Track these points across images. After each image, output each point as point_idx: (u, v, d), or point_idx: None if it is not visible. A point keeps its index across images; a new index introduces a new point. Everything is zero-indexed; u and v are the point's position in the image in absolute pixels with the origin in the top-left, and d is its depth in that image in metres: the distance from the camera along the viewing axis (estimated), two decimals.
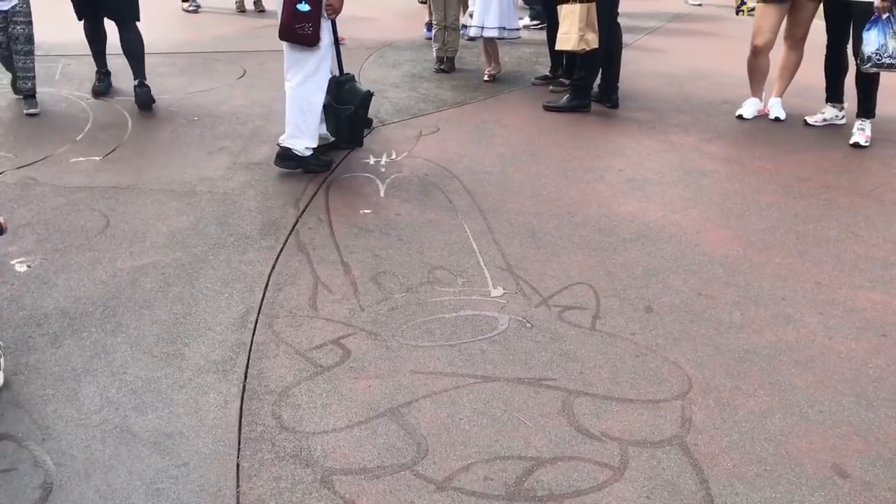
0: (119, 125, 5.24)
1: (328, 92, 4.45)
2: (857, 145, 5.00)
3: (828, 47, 5.29)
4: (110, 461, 2.32)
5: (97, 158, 4.65)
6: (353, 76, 4.66)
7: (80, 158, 4.64)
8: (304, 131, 4.40)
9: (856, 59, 4.89)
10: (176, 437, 2.43)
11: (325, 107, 4.52)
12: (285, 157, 4.48)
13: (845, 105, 5.42)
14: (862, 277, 3.43)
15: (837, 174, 4.59)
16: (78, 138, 4.98)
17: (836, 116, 5.44)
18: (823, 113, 5.47)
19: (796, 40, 5.42)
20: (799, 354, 2.89)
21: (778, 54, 5.57)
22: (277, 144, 4.52)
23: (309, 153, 4.47)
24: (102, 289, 3.25)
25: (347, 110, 4.52)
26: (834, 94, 5.43)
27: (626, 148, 5.04)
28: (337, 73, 4.59)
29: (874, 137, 5.09)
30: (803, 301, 3.25)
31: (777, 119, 5.56)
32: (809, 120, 5.46)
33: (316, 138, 4.48)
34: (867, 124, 5.06)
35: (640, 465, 2.34)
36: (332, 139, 4.76)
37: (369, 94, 4.64)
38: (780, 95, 5.63)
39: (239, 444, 2.41)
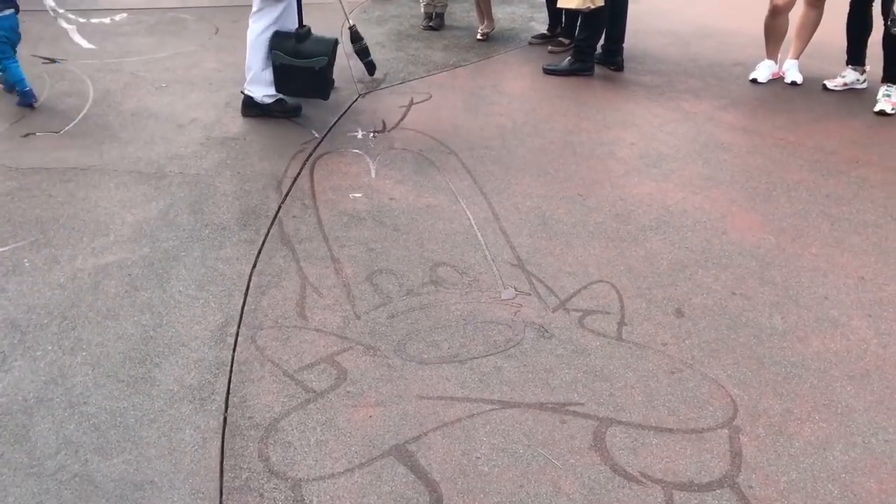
0: (79, 93, 4.76)
1: (283, 49, 4.23)
2: (882, 113, 4.63)
3: (851, 5, 4.87)
4: None
5: (55, 133, 4.18)
6: (310, 28, 4.34)
7: (36, 133, 4.17)
8: (262, 79, 4.34)
9: (885, 20, 4.50)
10: (146, 488, 2.07)
11: (281, 66, 4.28)
12: (249, 104, 4.47)
13: (867, 68, 5.04)
14: None
15: (865, 147, 4.24)
16: (34, 108, 4.49)
17: (858, 80, 5.05)
18: (844, 77, 5.08)
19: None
20: (852, 368, 2.57)
21: (795, 12, 5.16)
22: (241, 92, 4.46)
23: (269, 101, 4.43)
24: (60, 295, 2.84)
25: (321, 61, 4.25)
26: (856, 56, 5.02)
27: (636, 117, 4.65)
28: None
29: None
30: (848, 301, 2.92)
31: (794, 83, 5.18)
32: (829, 84, 5.08)
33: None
34: (893, 90, 4.69)
35: None
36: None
37: (337, 42, 4.42)
38: (797, 57, 5.24)
39: (221, 495, 2.06)
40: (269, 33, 4.21)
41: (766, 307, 2.87)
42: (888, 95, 4.68)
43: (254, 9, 4.21)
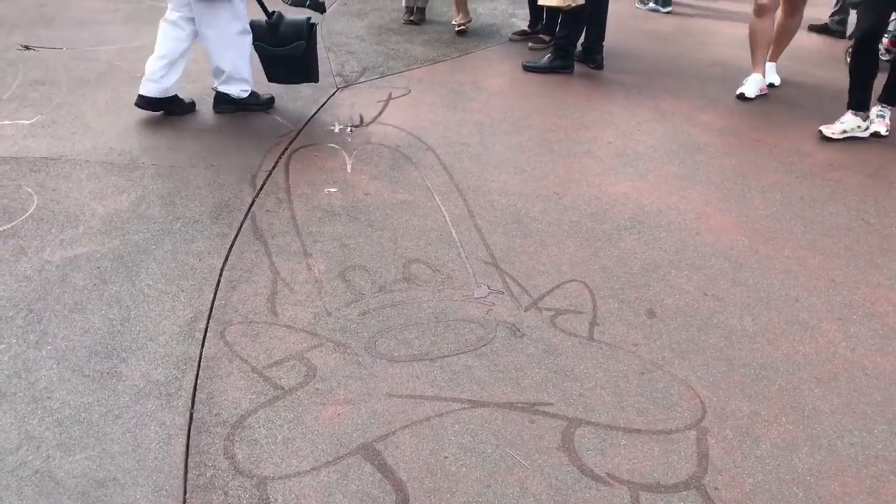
0: (53, 82, 4.69)
1: (262, 39, 4.23)
2: (877, 135, 4.41)
3: (858, 39, 4.20)
4: None
5: (26, 122, 4.12)
6: (280, 13, 4.24)
7: (6, 122, 4.11)
8: (241, 74, 4.29)
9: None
10: (109, 485, 2.04)
11: (266, 57, 4.34)
12: (222, 101, 4.39)
13: (871, 115, 4.48)
14: (880, 275, 3.13)
15: (841, 150, 4.27)
16: (5, 97, 4.43)
17: (859, 128, 4.43)
18: (843, 123, 4.43)
19: (795, 6, 5.02)
20: (820, 370, 2.58)
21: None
22: (213, 89, 4.38)
23: (245, 94, 4.38)
24: (27, 287, 2.80)
25: (299, 47, 4.24)
26: (860, 101, 4.37)
27: (614, 116, 4.65)
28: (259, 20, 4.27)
29: None
30: (819, 303, 2.94)
31: (771, 85, 5.18)
32: (826, 132, 4.43)
33: (252, 80, 4.38)
34: (888, 111, 4.47)
35: None
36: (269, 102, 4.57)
37: (310, 22, 4.26)
38: (776, 60, 5.25)
39: (185, 493, 2.04)
40: (237, 26, 4.09)
41: (738, 309, 2.89)
42: (882, 116, 4.47)
43: (206, 20, 4.03)
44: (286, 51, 4.22)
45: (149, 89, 4.15)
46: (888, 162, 4.13)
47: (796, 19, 5.06)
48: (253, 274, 2.95)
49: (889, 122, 4.47)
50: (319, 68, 4.50)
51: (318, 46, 4.43)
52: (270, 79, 4.44)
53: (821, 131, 4.43)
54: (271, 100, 4.49)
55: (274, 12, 4.20)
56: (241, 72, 4.26)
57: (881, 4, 3.98)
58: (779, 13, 5.06)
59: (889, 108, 4.48)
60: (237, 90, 4.33)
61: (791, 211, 3.59)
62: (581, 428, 2.30)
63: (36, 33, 5.57)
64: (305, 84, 4.79)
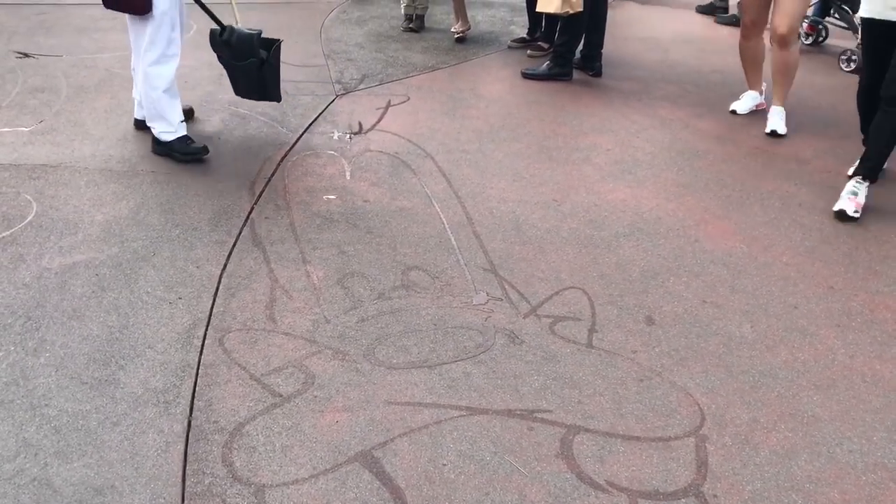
0: (52, 89, 4.70)
1: (221, 50, 3.88)
2: (843, 214, 3.64)
3: (865, 87, 3.93)
4: None
5: (25, 129, 4.13)
6: (232, 27, 3.84)
7: (6, 129, 4.11)
8: (161, 113, 3.80)
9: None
10: (106, 493, 2.03)
11: (227, 66, 3.99)
12: (156, 141, 3.93)
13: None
14: (878, 282, 3.13)
15: (838, 157, 4.27)
16: (4, 104, 4.43)
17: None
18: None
19: (785, 39, 4.38)
20: (819, 377, 2.58)
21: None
22: (150, 126, 3.93)
23: (169, 138, 3.85)
24: (25, 294, 2.80)
25: (252, 63, 3.86)
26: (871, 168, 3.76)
27: (613, 123, 4.66)
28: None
29: None
30: (817, 310, 2.94)
31: (774, 133, 4.53)
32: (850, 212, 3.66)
33: (174, 122, 3.85)
34: (863, 187, 3.73)
35: None
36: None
37: (260, 37, 3.83)
38: (782, 103, 4.63)
39: (183, 500, 2.03)
40: (148, 56, 3.66)
41: (737, 315, 2.88)
42: (855, 193, 3.70)
43: (131, 38, 3.77)
44: (245, 65, 3.88)
45: (142, 114, 4.07)
46: (886, 169, 4.12)
47: (792, 53, 4.47)
48: (251, 281, 2.95)
49: (861, 202, 3.68)
50: (281, 87, 4.13)
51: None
52: (235, 91, 4.14)
53: (848, 214, 3.63)
54: (203, 149, 3.92)
55: (227, 27, 3.84)
56: (160, 108, 3.79)
57: (886, 54, 3.65)
58: (771, 45, 4.59)
59: (864, 184, 3.73)
60: (158, 129, 3.86)
61: (790, 217, 3.60)
62: (580, 435, 2.29)
63: (35, 40, 5.57)
64: (305, 92, 4.81)
